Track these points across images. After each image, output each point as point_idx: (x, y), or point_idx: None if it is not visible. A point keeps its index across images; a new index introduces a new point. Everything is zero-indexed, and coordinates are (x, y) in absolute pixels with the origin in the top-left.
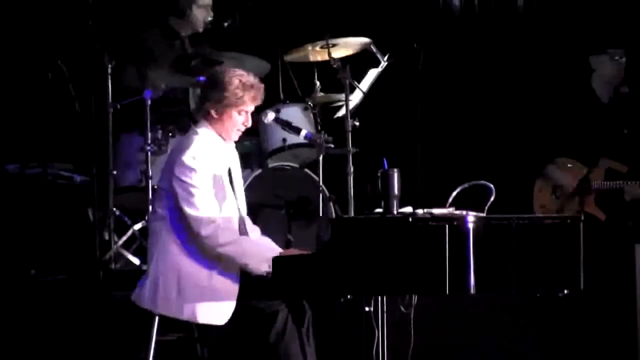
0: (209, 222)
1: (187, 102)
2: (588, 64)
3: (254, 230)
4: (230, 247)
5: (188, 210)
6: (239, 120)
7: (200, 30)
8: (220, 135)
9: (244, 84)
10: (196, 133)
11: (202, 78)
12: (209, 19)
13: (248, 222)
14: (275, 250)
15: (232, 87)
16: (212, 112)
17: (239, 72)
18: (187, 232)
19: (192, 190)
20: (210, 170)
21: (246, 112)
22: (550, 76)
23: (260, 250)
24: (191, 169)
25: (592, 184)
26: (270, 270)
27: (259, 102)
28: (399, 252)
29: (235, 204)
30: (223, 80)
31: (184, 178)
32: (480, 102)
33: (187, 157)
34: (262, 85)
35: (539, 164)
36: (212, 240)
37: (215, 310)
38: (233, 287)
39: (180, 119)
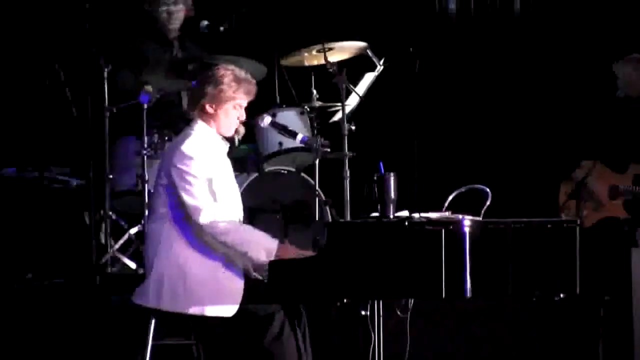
0: (208, 210)
1: (181, 106)
2: (590, 66)
3: None
4: (230, 235)
5: (187, 198)
6: (234, 114)
7: (174, 28)
8: (216, 131)
9: (237, 77)
10: (193, 129)
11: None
12: (176, 20)
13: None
14: (275, 241)
15: (225, 81)
16: (207, 108)
17: (231, 67)
18: (189, 226)
19: (191, 179)
20: (209, 162)
21: (241, 106)
22: (548, 78)
23: (260, 238)
24: (190, 158)
25: (620, 190)
26: (267, 260)
27: (252, 96)
28: (396, 256)
29: (232, 201)
30: (216, 75)
31: (183, 167)
32: (476, 106)
33: (186, 147)
34: (254, 80)
35: (564, 166)
36: (212, 228)
37: (223, 303)
38: (238, 281)
39: (174, 123)
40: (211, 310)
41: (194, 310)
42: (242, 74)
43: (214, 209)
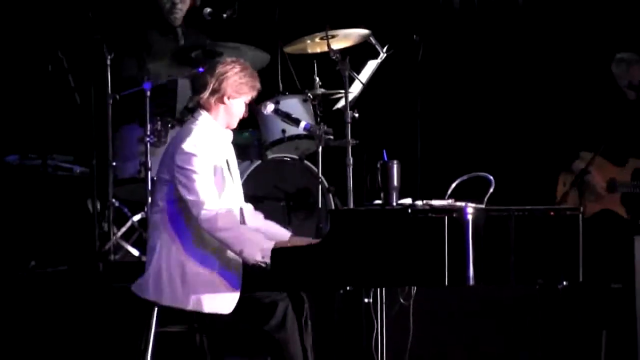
0: (208, 206)
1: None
2: (593, 57)
3: (257, 216)
4: (227, 232)
5: (188, 196)
6: (238, 109)
7: (178, 17)
8: (219, 124)
9: (243, 73)
10: (195, 122)
11: (202, 69)
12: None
13: (249, 208)
14: (270, 242)
15: (231, 76)
16: (211, 101)
17: (238, 61)
18: (186, 223)
19: (194, 176)
20: (211, 158)
21: (245, 101)
22: (550, 69)
23: (257, 238)
24: (192, 155)
25: (618, 183)
26: (263, 260)
27: (256, 92)
28: (399, 244)
29: (235, 194)
30: (222, 69)
31: (185, 165)
32: (479, 94)
33: (188, 145)
34: (257, 77)
35: (563, 157)
36: (211, 223)
37: (221, 300)
38: (236, 278)
39: (174, 110)
40: (209, 307)
41: (192, 306)
42: (248, 70)
43: (214, 205)
